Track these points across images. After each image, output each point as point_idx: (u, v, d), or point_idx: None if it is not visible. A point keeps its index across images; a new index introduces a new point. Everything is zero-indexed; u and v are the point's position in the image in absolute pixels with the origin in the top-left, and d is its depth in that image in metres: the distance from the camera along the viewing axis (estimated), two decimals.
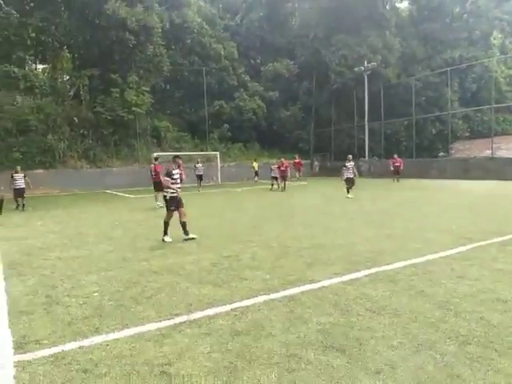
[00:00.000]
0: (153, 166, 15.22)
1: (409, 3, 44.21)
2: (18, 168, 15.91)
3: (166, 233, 8.17)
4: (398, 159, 25.93)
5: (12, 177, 15.41)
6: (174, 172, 8.22)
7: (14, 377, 3.07)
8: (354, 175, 15.96)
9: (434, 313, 4.01)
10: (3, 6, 24.19)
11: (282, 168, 20.60)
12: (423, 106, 36.00)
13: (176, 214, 8.19)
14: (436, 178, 26.19)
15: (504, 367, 2.97)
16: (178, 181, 8.30)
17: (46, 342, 3.67)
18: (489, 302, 4.28)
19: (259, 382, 2.88)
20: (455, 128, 36.61)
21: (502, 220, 9.57)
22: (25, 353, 3.47)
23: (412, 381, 2.83)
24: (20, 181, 15.36)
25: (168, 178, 8.09)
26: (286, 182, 20.78)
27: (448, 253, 6.39)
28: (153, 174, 15.00)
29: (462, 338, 3.45)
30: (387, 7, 37.04)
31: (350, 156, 16.74)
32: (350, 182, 15.86)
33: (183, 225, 8.14)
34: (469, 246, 6.79)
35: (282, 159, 21.63)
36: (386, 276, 5.26)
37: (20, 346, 3.59)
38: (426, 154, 34.83)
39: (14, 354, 3.45)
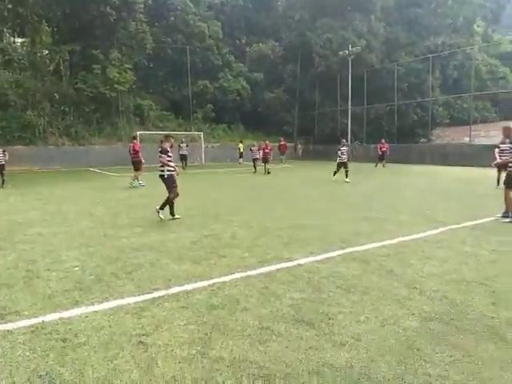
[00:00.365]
0: (131, 144, 14.93)
1: None
2: None
3: (172, 211, 8.21)
4: (385, 144, 26.09)
5: None
6: (169, 149, 8.18)
7: None
8: (348, 159, 16.19)
9: (401, 291, 4.24)
10: None
11: (266, 150, 20.49)
12: (405, 91, 36.30)
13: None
14: (416, 164, 26.79)
15: (463, 342, 3.19)
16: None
17: (26, 313, 3.76)
18: (453, 282, 4.52)
19: (232, 352, 3.04)
20: (436, 114, 37.14)
21: (474, 205, 9.95)
22: (6, 323, 3.56)
23: (374, 352, 3.04)
24: (0, 156, 14.71)
25: (164, 155, 8.03)
26: (268, 165, 20.58)
27: (420, 235, 6.67)
28: (131, 152, 14.78)
29: (424, 315, 3.67)
30: None
31: (344, 140, 17.01)
32: (345, 166, 15.87)
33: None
34: (440, 229, 7.08)
35: (267, 142, 21.54)
36: (359, 256, 5.49)
37: (1, 317, 3.67)
38: (407, 139, 35.35)
39: None
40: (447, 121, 40.70)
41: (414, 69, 36.48)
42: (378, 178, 17.72)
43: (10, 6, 26.01)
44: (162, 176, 8.19)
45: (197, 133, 31.19)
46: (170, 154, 8.16)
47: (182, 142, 23.33)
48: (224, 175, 20.57)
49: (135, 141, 15.00)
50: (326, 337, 3.27)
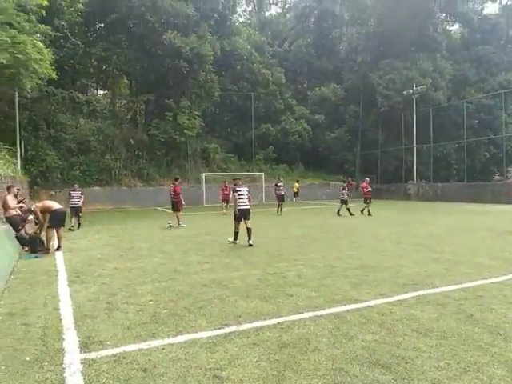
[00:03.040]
0: (172, 186, 15.02)
1: (460, 26, 43.37)
2: (76, 185, 15.36)
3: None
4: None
5: (69, 194, 14.82)
6: (237, 189, 10.17)
7: (82, 373, 3.39)
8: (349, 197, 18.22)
9: (483, 337, 3.97)
10: (70, 37, 26.53)
11: (366, 190, 18.69)
12: (476, 128, 34.79)
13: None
14: (490, 203, 24.98)
15: None
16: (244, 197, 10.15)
17: (108, 342, 4.01)
18: None
19: None
20: (511, 151, 34.93)
21: None
22: (90, 352, 3.80)
23: None
24: (76, 198, 14.62)
25: (235, 193, 10.09)
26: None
27: (500, 279, 6.20)
28: (172, 194, 14.89)
29: (511, 363, 3.40)
30: (438, 30, 36.56)
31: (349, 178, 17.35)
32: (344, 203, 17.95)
33: (249, 231, 10.00)
34: None
35: (367, 179, 19.85)
36: (434, 299, 5.21)
37: (85, 346, 3.94)
38: (479, 177, 33.41)
39: (81, 353, 3.78)
40: None
41: (485, 105, 35.08)
42: (448, 218, 16.78)
43: (95, 62, 29.32)
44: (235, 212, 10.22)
45: (258, 173, 31.93)
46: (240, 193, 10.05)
47: (280, 181, 21.34)
48: (285, 214, 20.59)
49: (176, 183, 15.06)
50: (405, 381, 3.13)
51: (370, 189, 19.17)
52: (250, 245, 9.80)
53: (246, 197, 10.17)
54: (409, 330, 4.16)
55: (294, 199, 28.38)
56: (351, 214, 18.08)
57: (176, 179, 15.45)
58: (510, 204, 23.73)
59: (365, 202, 18.69)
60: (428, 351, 3.66)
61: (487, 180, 34.11)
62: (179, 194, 14.93)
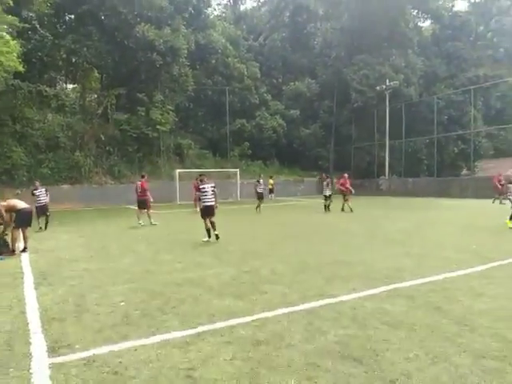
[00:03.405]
0: (139, 183, 14.60)
1: (431, 22, 44.41)
2: (37, 183, 14.43)
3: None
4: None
5: (33, 194, 13.76)
6: (201, 186, 10.33)
7: (50, 377, 3.29)
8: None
9: (451, 328, 4.09)
10: (38, 28, 25.58)
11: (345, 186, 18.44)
12: (445, 124, 35.76)
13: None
14: (458, 197, 25.82)
15: None
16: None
17: (77, 346, 3.90)
18: (505, 318, 4.33)
19: None
20: (479, 146, 36.17)
21: None
22: (58, 356, 3.69)
23: None
24: (42, 196, 13.74)
25: (197, 192, 10.25)
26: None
27: (467, 271, 6.41)
28: (138, 190, 14.48)
29: (477, 352, 3.52)
30: (410, 26, 37.28)
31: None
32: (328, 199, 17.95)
33: (212, 224, 10.14)
34: (488, 265, 6.78)
35: (346, 174, 19.51)
36: (404, 292, 5.34)
37: (54, 350, 3.82)
38: (448, 172, 34.42)
39: (48, 357, 3.67)
40: (492, 152, 39.47)
41: (455, 101, 36.08)
42: (418, 213, 17.23)
43: (64, 55, 28.36)
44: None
45: (232, 170, 31.82)
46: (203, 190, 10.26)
47: (260, 178, 21.28)
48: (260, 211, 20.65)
49: (143, 179, 14.63)
50: (376, 373, 3.19)
51: (347, 185, 18.51)
52: (216, 235, 10.07)
53: (211, 193, 10.23)
54: (379, 324, 4.24)
55: (269, 196, 28.45)
56: (328, 211, 18.10)
57: (143, 176, 14.96)
58: (477, 198, 24.59)
59: (344, 199, 18.27)
60: (398, 343, 3.75)
61: (455, 175, 35.16)
62: (146, 190, 14.45)
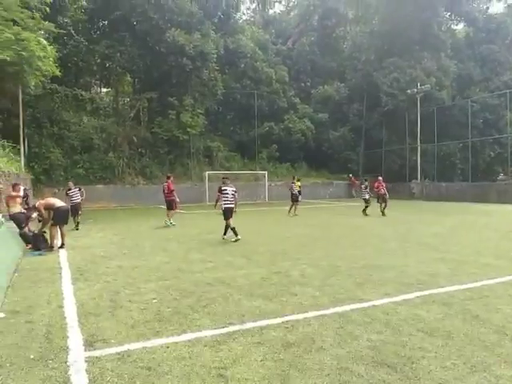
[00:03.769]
0: (166, 184, 14.63)
1: (465, 25, 43.13)
2: (71, 183, 14.55)
3: (225, 233, 10.65)
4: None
5: (67, 194, 14.02)
6: (223, 188, 10.67)
7: (86, 371, 3.38)
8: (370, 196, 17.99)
9: (490, 337, 3.94)
10: (73, 34, 26.54)
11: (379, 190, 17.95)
12: (480, 128, 34.62)
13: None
14: (495, 203, 24.84)
15: None
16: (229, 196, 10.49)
17: (112, 341, 4.00)
18: None
19: None
20: None
21: None
22: (94, 350, 3.79)
23: None
24: (75, 196, 13.90)
25: (219, 193, 10.35)
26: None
27: (506, 279, 6.16)
28: (166, 191, 14.50)
29: None
30: (443, 29, 36.35)
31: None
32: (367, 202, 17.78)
33: (226, 227, 10.50)
34: None
35: (380, 178, 18.88)
36: (439, 299, 5.18)
37: (90, 344, 3.93)
38: (483, 177, 33.26)
39: (85, 351, 3.77)
40: None
41: (490, 105, 34.88)
42: (453, 218, 16.69)
43: (98, 60, 29.31)
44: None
45: (261, 172, 31.88)
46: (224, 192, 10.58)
47: (293, 182, 20.31)
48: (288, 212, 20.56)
49: (169, 180, 14.61)
50: (411, 381, 3.11)
51: (381, 189, 17.85)
52: (224, 239, 10.62)
53: (231, 196, 10.50)
54: (414, 330, 4.13)
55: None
56: (365, 215, 17.56)
57: (168, 177, 14.98)
58: None
59: (377, 202, 18.03)
60: (434, 351, 3.63)
61: (491, 179, 33.94)
62: (173, 191, 14.50)
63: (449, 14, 40.61)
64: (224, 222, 10.62)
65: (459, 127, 33.90)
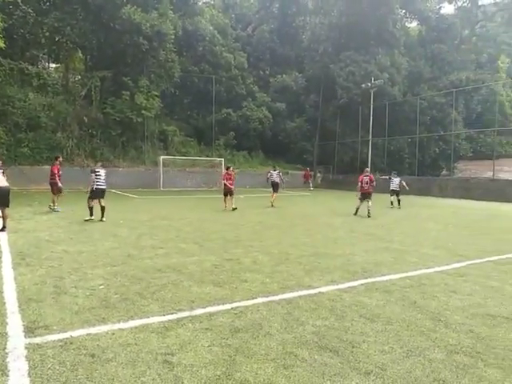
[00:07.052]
0: (53, 166, 13.70)
1: (418, 23, 44.83)
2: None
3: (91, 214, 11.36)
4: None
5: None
6: (96, 170, 11.58)
7: (26, 357, 3.25)
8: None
9: (425, 323, 4.20)
10: (20, 4, 24.72)
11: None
12: (427, 124, 36.41)
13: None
14: (437, 196, 26.43)
15: (488, 375, 3.15)
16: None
17: (55, 327, 3.86)
18: (479, 316, 4.46)
19: (256, 375, 3.06)
20: (458, 148, 36.96)
21: (499, 239, 9.75)
22: (35, 336, 3.65)
23: (400, 382, 3.02)
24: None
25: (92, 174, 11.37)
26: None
27: (443, 268, 6.58)
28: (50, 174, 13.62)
29: (450, 347, 3.63)
30: (397, 26, 37.55)
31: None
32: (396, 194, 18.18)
33: (103, 209, 11.40)
34: (464, 263, 6.98)
35: (367, 169, 16.40)
36: (382, 286, 5.45)
37: (30, 330, 3.77)
38: (428, 172, 35.07)
39: (25, 337, 3.62)
40: (470, 154, 40.39)
41: (437, 103, 36.64)
42: (398, 210, 17.53)
43: (47, 33, 27.50)
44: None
45: (218, 159, 31.69)
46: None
47: (275, 169, 19.24)
48: (243, 200, 20.66)
49: (57, 162, 13.69)
50: (351, 364, 3.26)
51: (365, 185, 14.75)
52: (102, 221, 11.21)
53: (103, 178, 11.56)
54: (357, 316, 4.33)
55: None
56: (398, 207, 17.91)
57: (56, 157, 14.00)
58: (454, 198, 25.18)
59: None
60: (374, 336, 3.83)
61: (435, 174, 35.88)
62: (55, 174, 13.46)
63: (403, 11, 41.96)
64: (180, 209, 10.85)
65: (408, 123, 35.44)
